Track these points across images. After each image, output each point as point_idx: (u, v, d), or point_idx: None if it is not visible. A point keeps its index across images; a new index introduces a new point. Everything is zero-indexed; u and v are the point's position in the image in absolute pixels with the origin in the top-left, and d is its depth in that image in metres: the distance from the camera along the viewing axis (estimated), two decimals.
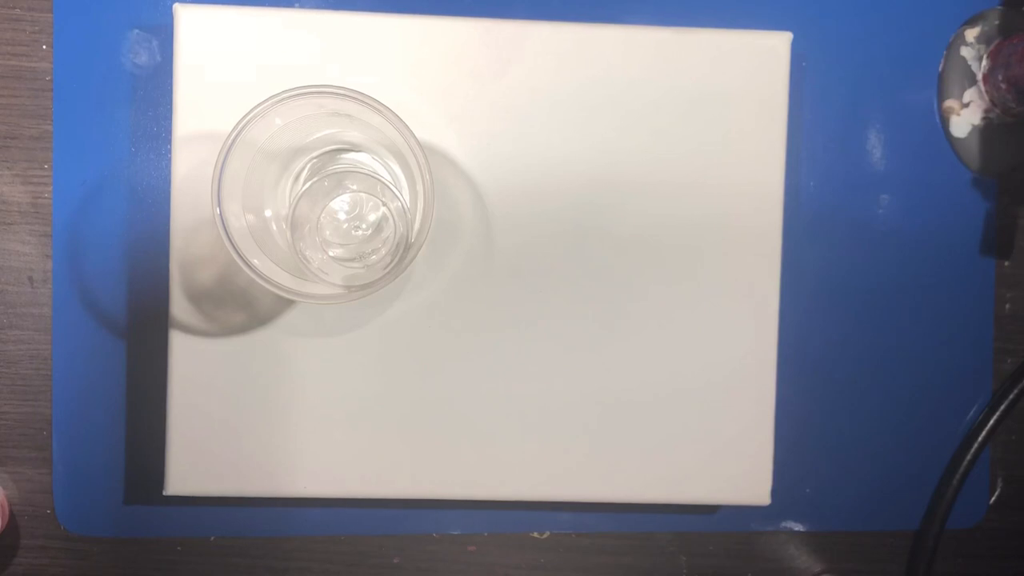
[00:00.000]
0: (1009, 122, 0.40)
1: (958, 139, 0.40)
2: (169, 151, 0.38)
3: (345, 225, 0.32)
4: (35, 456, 0.39)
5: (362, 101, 0.29)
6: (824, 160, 0.40)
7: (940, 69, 0.40)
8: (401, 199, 0.31)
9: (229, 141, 0.29)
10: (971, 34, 0.40)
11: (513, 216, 0.36)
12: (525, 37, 0.36)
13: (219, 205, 0.29)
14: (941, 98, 0.40)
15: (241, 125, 0.29)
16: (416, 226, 0.31)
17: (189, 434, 0.36)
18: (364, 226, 0.32)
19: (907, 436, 0.41)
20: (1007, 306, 0.41)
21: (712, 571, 0.41)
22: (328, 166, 0.34)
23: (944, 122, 0.40)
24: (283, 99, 0.29)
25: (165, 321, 0.37)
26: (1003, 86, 0.39)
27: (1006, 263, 0.41)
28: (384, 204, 0.31)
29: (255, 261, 0.30)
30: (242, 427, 0.36)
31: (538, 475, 0.37)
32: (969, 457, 0.41)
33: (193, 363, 0.36)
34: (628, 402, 0.37)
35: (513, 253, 0.36)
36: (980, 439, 0.41)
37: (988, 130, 0.40)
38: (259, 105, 0.29)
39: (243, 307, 0.36)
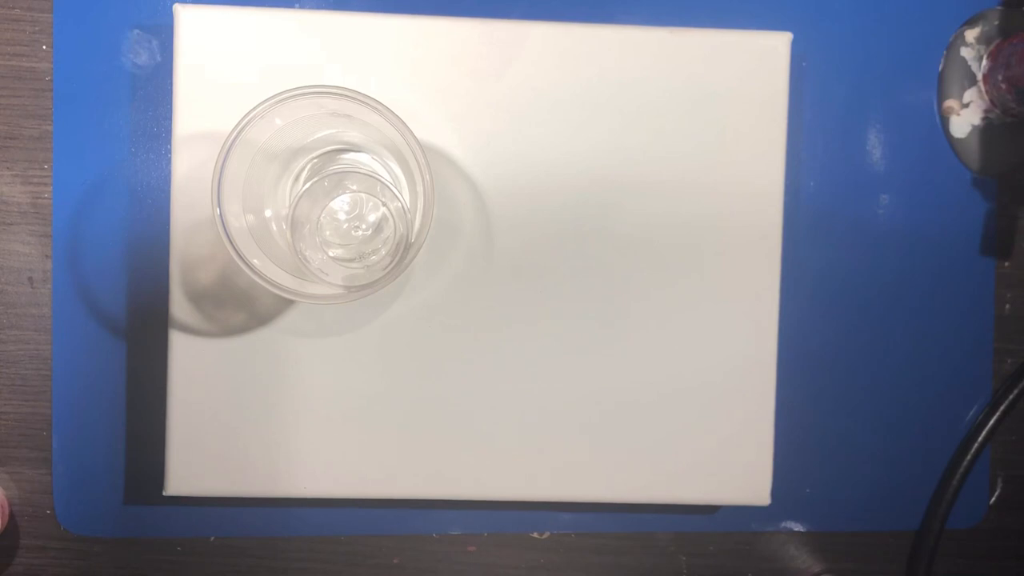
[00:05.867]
0: (1009, 122, 0.40)
1: (958, 139, 0.40)
2: (169, 151, 0.38)
3: (345, 225, 0.32)
4: (35, 456, 0.39)
5: (362, 101, 0.29)
6: (824, 160, 0.40)
7: (940, 69, 0.40)
8: (401, 199, 0.31)
9: (229, 141, 0.29)
10: (971, 34, 0.40)
11: (513, 216, 0.36)
12: (524, 37, 0.36)
13: (219, 205, 0.29)
14: (941, 98, 0.40)
15: (241, 125, 0.29)
16: (416, 226, 0.31)
17: (189, 434, 0.36)
18: (364, 226, 0.32)
19: (907, 436, 0.41)
20: (1007, 306, 0.41)
21: (712, 571, 0.41)
22: (328, 166, 0.34)
23: (944, 122, 0.40)
24: (283, 99, 0.29)
25: (165, 321, 0.37)
26: (1003, 86, 0.39)
27: (1006, 263, 0.41)
28: (384, 204, 0.31)
29: (255, 261, 0.30)
30: (242, 427, 0.36)
31: (538, 475, 0.37)
32: (969, 457, 0.41)
33: (193, 363, 0.36)
34: (628, 402, 0.37)
35: (513, 253, 0.36)
36: (980, 439, 0.41)
37: (988, 130, 0.40)
38: (259, 105, 0.29)
39: (243, 307, 0.36)
